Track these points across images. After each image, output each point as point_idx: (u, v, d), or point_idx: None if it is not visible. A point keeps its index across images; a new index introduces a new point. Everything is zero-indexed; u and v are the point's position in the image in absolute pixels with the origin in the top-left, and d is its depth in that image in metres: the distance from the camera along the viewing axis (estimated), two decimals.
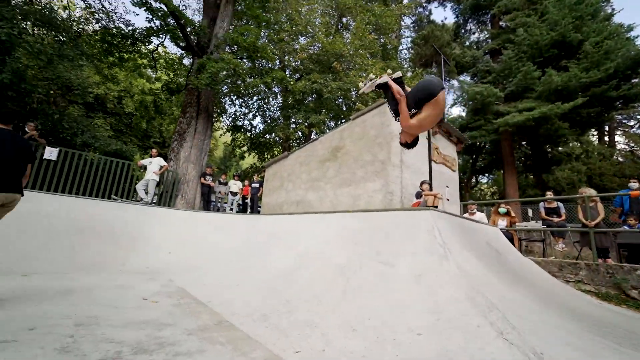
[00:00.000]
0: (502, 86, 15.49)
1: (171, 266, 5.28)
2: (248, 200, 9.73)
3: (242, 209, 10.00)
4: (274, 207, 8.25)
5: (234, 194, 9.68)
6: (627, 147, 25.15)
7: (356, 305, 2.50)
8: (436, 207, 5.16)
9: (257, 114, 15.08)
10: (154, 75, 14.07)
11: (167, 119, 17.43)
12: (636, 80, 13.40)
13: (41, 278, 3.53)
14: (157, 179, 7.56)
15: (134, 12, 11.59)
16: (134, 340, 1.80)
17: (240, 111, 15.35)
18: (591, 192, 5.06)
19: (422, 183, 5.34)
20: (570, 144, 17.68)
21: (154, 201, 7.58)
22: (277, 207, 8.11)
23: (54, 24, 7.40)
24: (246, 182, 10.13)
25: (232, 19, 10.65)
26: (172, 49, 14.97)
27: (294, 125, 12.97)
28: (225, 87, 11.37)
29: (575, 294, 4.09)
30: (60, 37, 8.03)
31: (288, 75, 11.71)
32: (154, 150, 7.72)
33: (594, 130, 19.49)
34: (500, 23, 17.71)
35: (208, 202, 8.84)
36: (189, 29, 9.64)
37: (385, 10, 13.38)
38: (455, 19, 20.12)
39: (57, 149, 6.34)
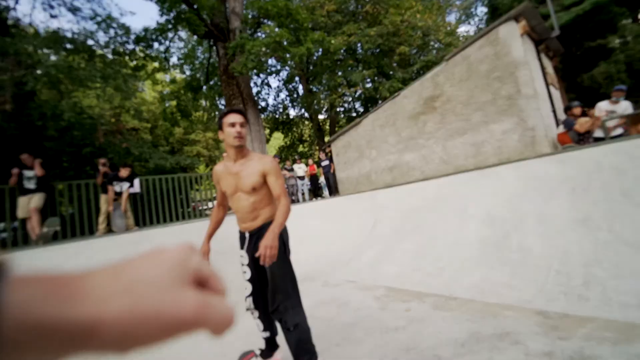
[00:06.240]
0: None
1: (317, 266, 4.86)
2: (321, 181, 9.28)
3: (314, 191, 9.61)
4: (357, 180, 7.79)
5: (302, 177, 9.23)
6: None
7: None
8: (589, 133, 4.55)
9: (281, 88, 14.14)
10: (167, 79, 13.03)
11: (183, 122, 16.59)
12: None
13: None
14: None
15: (130, 12, 10.47)
16: None
17: (261, 89, 14.41)
18: None
19: (572, 107, 4.67)
20: (608, 37, 15.89)
21: None
22: (362, 179, 7.65)
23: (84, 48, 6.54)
24: (310, 162, 9.62)
25: None
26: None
27: (326, 93, 12.03)
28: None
29: None
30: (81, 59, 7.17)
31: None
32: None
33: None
34: None
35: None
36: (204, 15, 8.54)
37: None
38: None
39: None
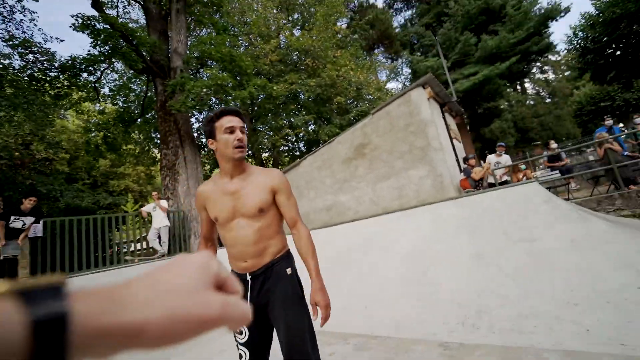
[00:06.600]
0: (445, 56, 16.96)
1: None
2: None
3: None
4: None
5: None
6: (534, 91, 29.95)
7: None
8: (482, 180, 5.52)
9: None
10: (98, 107, 12.02)
11: (110, 155, 15.16)
12: (547, 32, 15.90)
13: None
14: (169, 224, 6.64)
15: (57, 38, 9.50)
16: None
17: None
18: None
19: (469, 159, 5.65)
20: (498, 100, 20.10)
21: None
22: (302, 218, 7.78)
23: None
24: None
25: (187, 31, 9.62)
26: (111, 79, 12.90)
27: (270, 133, 12.41)
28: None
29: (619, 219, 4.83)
30: None
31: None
32: (155, 193, 6.70)
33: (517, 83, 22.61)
34: None
35: None
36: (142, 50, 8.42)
37: None
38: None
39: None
